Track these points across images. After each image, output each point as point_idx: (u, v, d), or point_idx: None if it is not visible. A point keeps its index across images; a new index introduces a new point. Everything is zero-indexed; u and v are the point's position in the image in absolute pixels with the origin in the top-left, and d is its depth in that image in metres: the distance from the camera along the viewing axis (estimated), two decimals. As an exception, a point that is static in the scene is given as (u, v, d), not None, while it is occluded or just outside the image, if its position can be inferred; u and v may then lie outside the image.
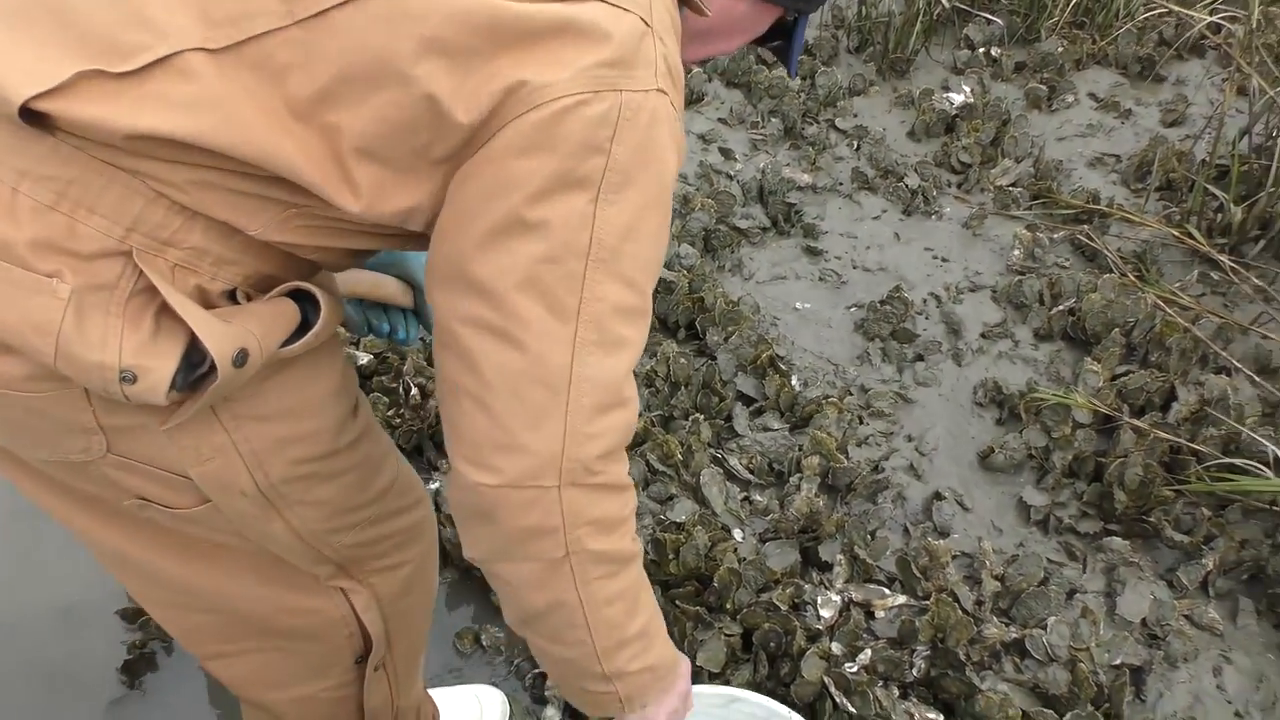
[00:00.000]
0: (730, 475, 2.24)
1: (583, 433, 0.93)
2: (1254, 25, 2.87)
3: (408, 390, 2.31)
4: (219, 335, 0.91)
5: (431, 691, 1.74)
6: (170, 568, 1.15)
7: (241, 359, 0.93)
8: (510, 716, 1.87)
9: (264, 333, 0.96)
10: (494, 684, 1.93)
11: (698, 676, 1.86)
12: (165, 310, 0.92)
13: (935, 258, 2.92)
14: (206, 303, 0.95)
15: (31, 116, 0.85)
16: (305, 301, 1.02)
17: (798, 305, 2.73)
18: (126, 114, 0.85)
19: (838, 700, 1.78)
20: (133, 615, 2.00)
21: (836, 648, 1.88)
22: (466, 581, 2.11)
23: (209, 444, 1.01)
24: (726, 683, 1.84)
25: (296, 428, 1.06)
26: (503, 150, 0.90)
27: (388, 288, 1.35)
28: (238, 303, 0.98)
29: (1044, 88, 3.48)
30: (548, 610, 1.01)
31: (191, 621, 1.24)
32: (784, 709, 1.43)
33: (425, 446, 2.32)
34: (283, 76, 0.89)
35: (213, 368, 0.92)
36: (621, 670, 1.07)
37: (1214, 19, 3.35)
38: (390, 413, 2.28)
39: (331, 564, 1.21)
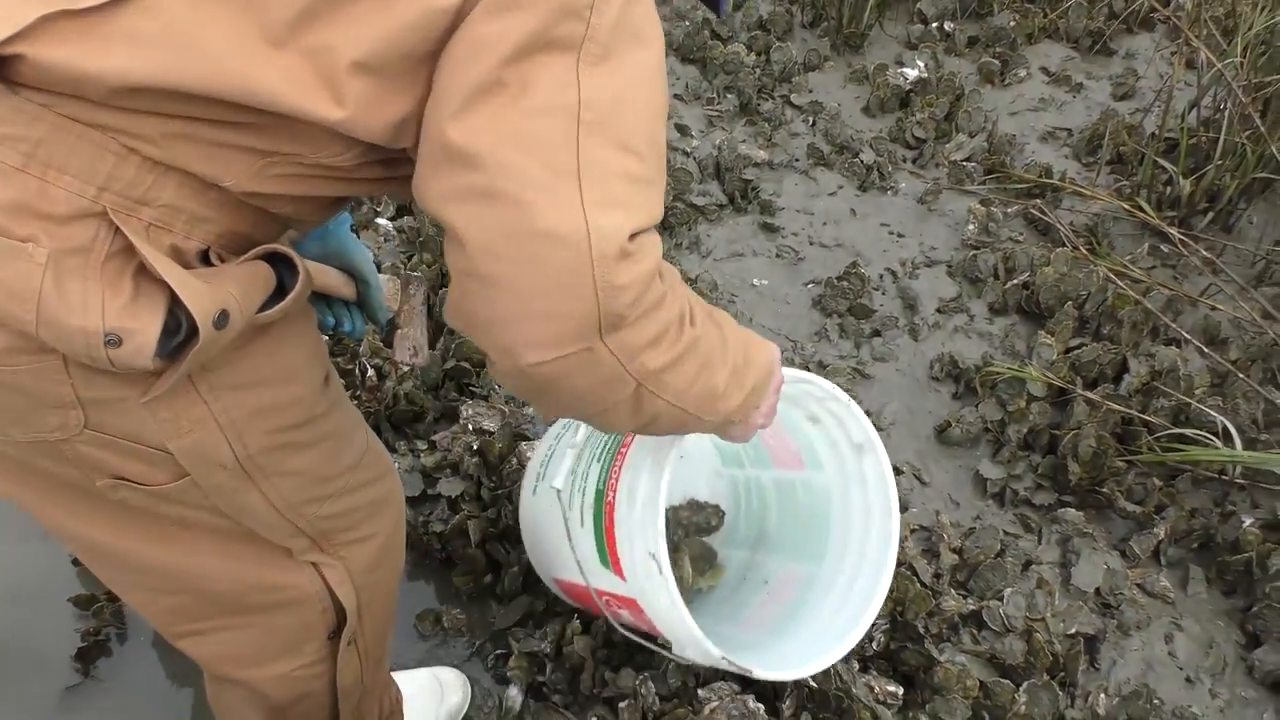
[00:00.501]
0: (690, 453, 2.24)
1: (614, 285, 0.87)
2: (1201, -1, 2.90)
3: (364, 372, 2.28)
4: (199, 295, 0.89)
5: (392, 674, 1.73)
6: (142, 551, 1.13)
7: (222, 320, 0.91)
8: (472, 698, 1.86)
9: (242, 294, 0.94)
10: (455, 665, 1.92)
11: (657, 655, 1.86)
12: (143, 272, 0.90)
13: (891, 233, 2.93)
14: (182, 263, 0.93)
15: None
16: (279, 265, 1.00)
17: (755, 282, 2.73)
18: (96, 55, 0.83)
19: (799, 675, 1.79)
20: (86, 602, 1.96)
21: (797, 623, 1.89)
22: (426, 563, 2.09)
23: (188, 416, 0.99)
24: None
25: (274, 396, 1.05)
26: (479, 16, 0.85)
27: (330, 278, 1.32)
28: (212, 264, 0.96)
29: (996, 62, 3.50)
30: (647, 424, 1.05)
31: (165, 604, 1.23)
32: (841, 393, 1.57)
33: (383, 427, 2.29)
34: (254, 1, 0.86)
35: (191, 334, 0.90)
36: (728, 411, 1.13)
37: (1162, -7, 3.39)
38: (347, 394, 2.24)
39: (305, 537, 1.20)
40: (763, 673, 1.52)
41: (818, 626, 1.67)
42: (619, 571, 1.53)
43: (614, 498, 1.50)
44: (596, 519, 1.54)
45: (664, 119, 0.95)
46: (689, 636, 1.48)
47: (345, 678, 1.38)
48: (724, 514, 1.82)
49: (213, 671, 1.34)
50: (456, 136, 0.85)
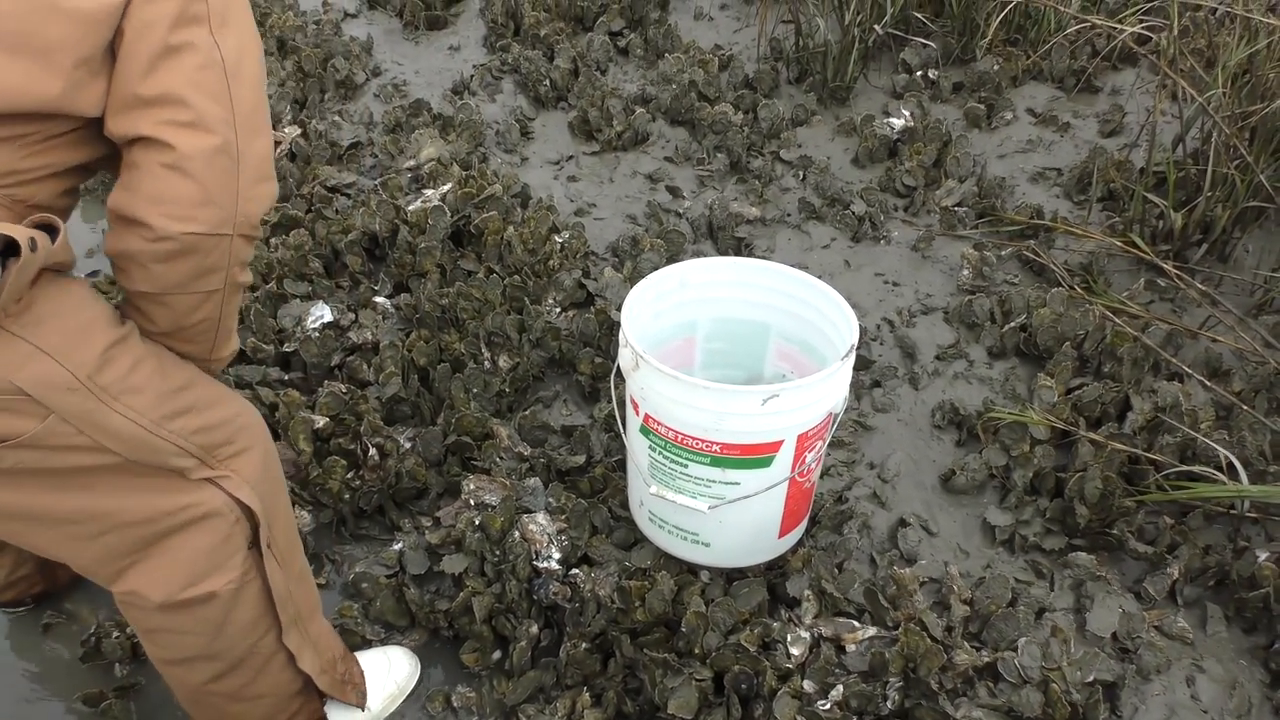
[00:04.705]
0: (694, 516, 2.22)
1: (248, 195, 1.33)
2: (1175, 34, 2.92)
3: (366, 451, 2.29)
4: (15, 230, 1.20)
5: None
6: (53, 503, 1.38)
7: (32, 245, 1.21)
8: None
9: (40, 237, 1.24)
10: (466, 747, 1.91)
11: (671, 725, 1.84)
12: None
13: (886, 282, 2.94)
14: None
15: None
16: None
17: (753, 339, 2.73)
18: None
19: (813, 739, 1.76)
20: (94, 700, 1.96)
21: (809, 685, 1.86)
22: (434, 642, 2.08)
23: (17, 352, 1.25)
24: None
25: (74, 321, 1.32)
26: (136, 5, 1.25)
27: None
28: None
29: (982, 107, 3.53)
30: (197, 323, 1.44)
31: (94, 550, 1.46)
32: None
33: (387, 507, 2.30)
34: None
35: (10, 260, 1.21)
36: (220, 355, 1.55)
37: (1139, 29, 3.41)
38: (349, 475, 2.25)
39: (190, 456, 1.45)
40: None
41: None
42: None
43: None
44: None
45: (263, 64, 1.40)
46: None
47: (275, 581, 1.61)
48: None
49: (158, 600, 1.51)
50: (153, 88, 1.25)
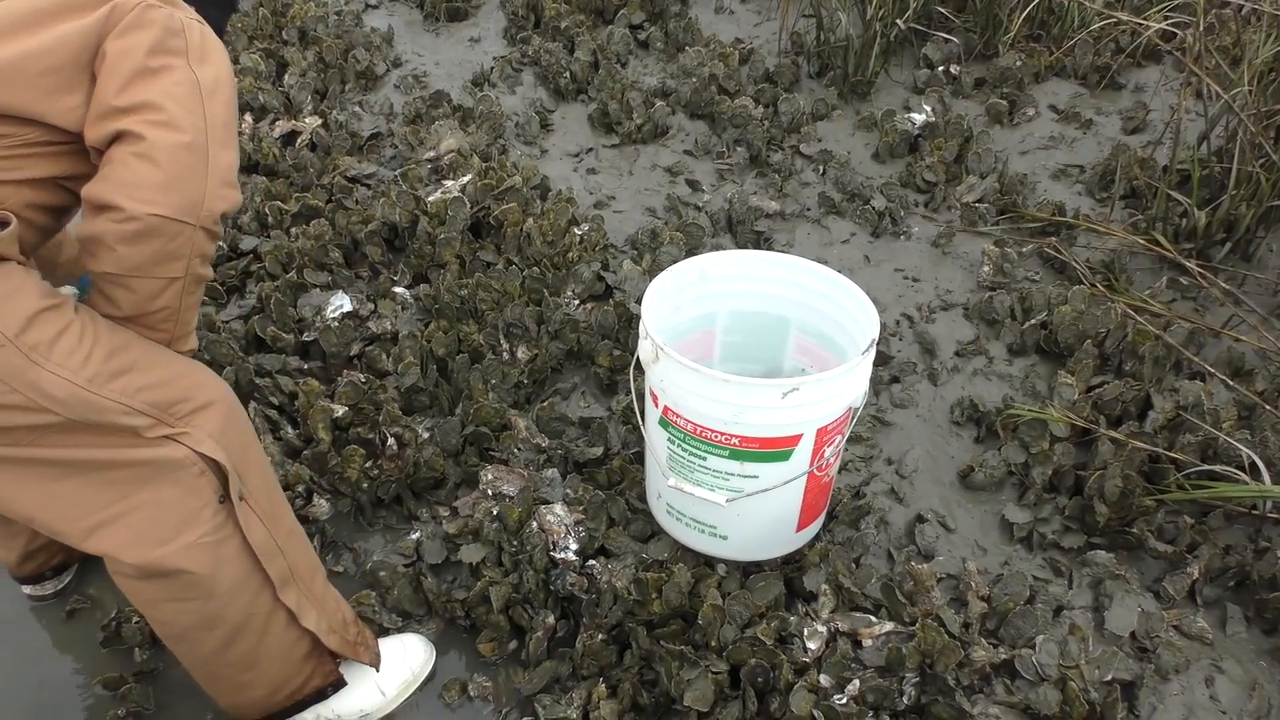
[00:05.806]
0: (711, 509, 2.22)
1: (214, 194, 1.43)
2: (1201, 31, 2.89)
3: (384, 440, 2.29)
4: None
5: None
6: (24, 453, 1.45)
7: None
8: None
9: None
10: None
11: (685, 717, 1.84)
12: None
13: (906, 278, 2.93)
14: None
15: None
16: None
17: (771, 333, 2.73)
18: None
19: (829, 734, 1.76)
20: (114, 684, 1.97)
21: (825, 679, 1.86)
22: (452, 632, 2.09)
23: None
24: (716, 722, 1.82)
25: (3, 292, 1.37)
26: (118, 32, 1.40)
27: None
28: None
29: (1004, 102, 3.51)
30: (158, 310, 1.50)
31: (60, 494, 1.49)
32: None
33: (405, 496, 2.30)
34: None
35: None
36: (180, 350, 1.59)
37: (1165, 26, 3.39)
38: (368, 464, 2.26)
39: (138, 414, 1.47)
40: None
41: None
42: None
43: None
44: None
45: (235, 103, 1.52)
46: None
47: (254, 535, 1.61)
48: None
49: (132, 561, 1.53)
50: (127, 99, 1.38)
